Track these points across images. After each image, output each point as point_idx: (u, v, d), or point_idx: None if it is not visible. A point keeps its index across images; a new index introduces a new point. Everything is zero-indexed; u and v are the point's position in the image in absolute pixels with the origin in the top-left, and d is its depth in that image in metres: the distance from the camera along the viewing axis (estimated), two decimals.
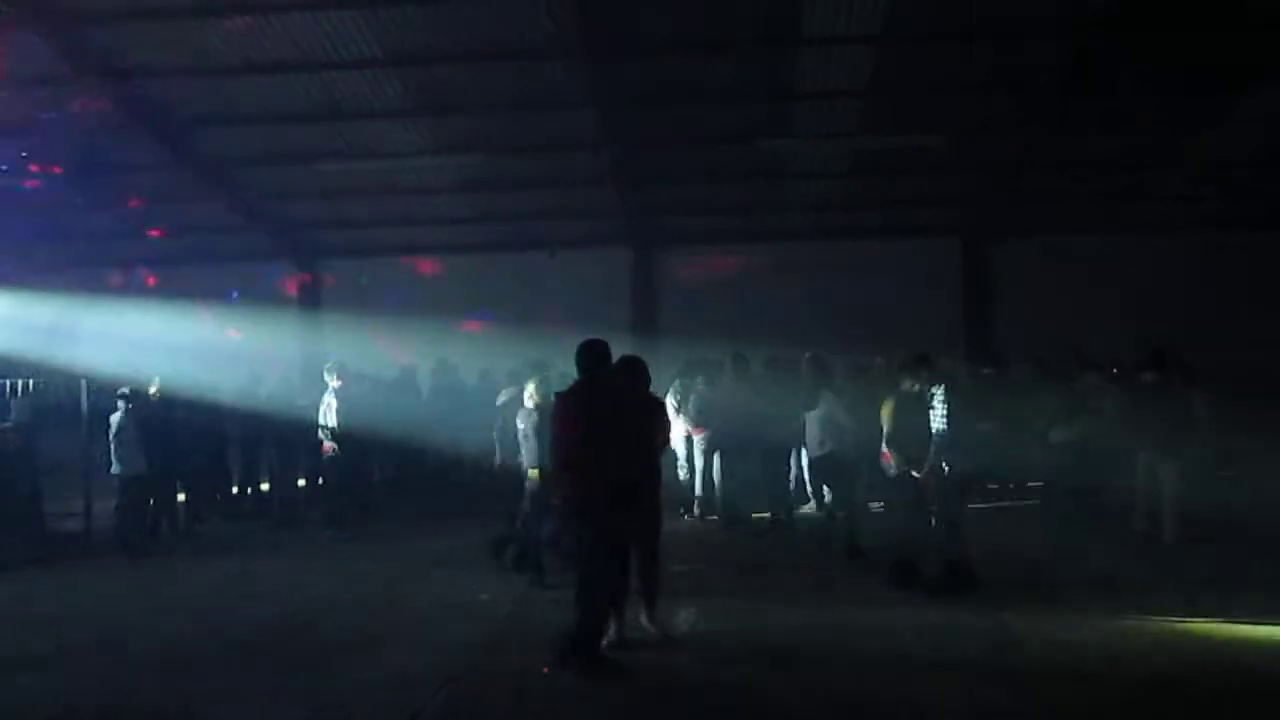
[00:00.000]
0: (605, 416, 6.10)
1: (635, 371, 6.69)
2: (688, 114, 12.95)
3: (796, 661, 6.24)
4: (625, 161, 13.80)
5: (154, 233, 15.74)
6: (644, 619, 6.70)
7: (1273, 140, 13.30)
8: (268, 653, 6.88)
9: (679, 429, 11.10)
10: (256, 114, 12.66)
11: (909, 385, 8.12)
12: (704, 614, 7.29)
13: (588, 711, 5.57)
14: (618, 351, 6.67)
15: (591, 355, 6.33)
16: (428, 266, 16.11)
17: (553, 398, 7.18)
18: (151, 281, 16.17)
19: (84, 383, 11.38)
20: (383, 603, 8.25)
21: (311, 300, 16.57)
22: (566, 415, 6.29)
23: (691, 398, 11.36)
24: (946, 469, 7.78)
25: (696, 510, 11.39)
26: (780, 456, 10.72)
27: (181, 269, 16.17)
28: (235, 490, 13.03)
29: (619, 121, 12.81)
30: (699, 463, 11.43)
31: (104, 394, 11.22)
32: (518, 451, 8.50)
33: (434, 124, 13.17)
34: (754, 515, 10.89)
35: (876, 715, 5.43)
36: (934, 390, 7.99)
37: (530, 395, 8.37)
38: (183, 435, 11.53)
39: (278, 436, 12.11)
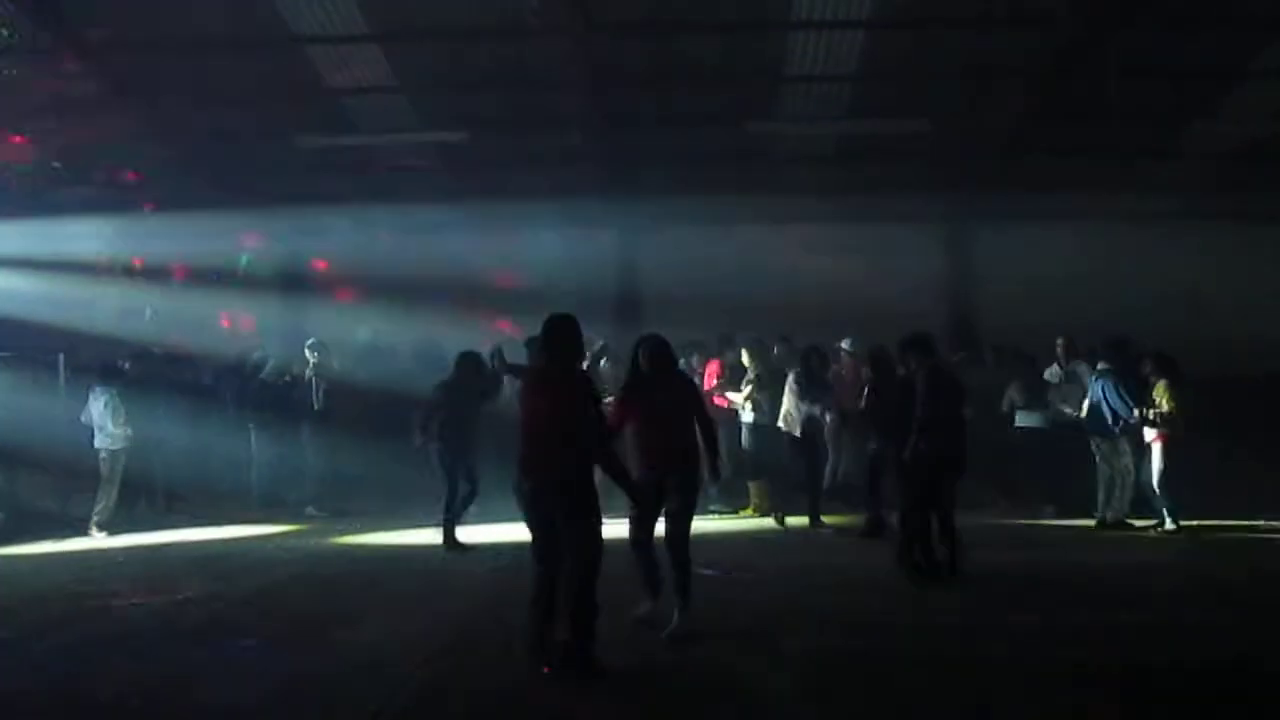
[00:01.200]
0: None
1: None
2: (675, 95, 12.92)
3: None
4: (611, 142, 13.76)
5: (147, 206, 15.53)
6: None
7: (1261, 132, 13.41)
8: (246, 629, 6.87)
9: None
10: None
11: (903, 368, 8.18)
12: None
13: (568, 690, 5.58)
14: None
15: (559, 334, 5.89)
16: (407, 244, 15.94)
17: None
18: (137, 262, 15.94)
19: (61, 356, 11.31)
20: (363, 581, 8.25)
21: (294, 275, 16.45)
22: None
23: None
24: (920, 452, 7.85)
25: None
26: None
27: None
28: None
29: (605, 101, 12.77)
30: None
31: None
32: None
33: (417, 101, 13.09)
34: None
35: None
36: (917, 373, 8.05)
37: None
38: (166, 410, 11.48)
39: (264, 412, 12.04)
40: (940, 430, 7.76)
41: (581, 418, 5.71)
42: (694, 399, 6.71)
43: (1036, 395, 10.85)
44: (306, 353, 11.54)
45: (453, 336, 12.86)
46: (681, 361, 11.35)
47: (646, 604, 6.50)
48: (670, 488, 6.38)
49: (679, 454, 6.43)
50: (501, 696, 5.50)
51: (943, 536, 7.82)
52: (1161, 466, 9.60)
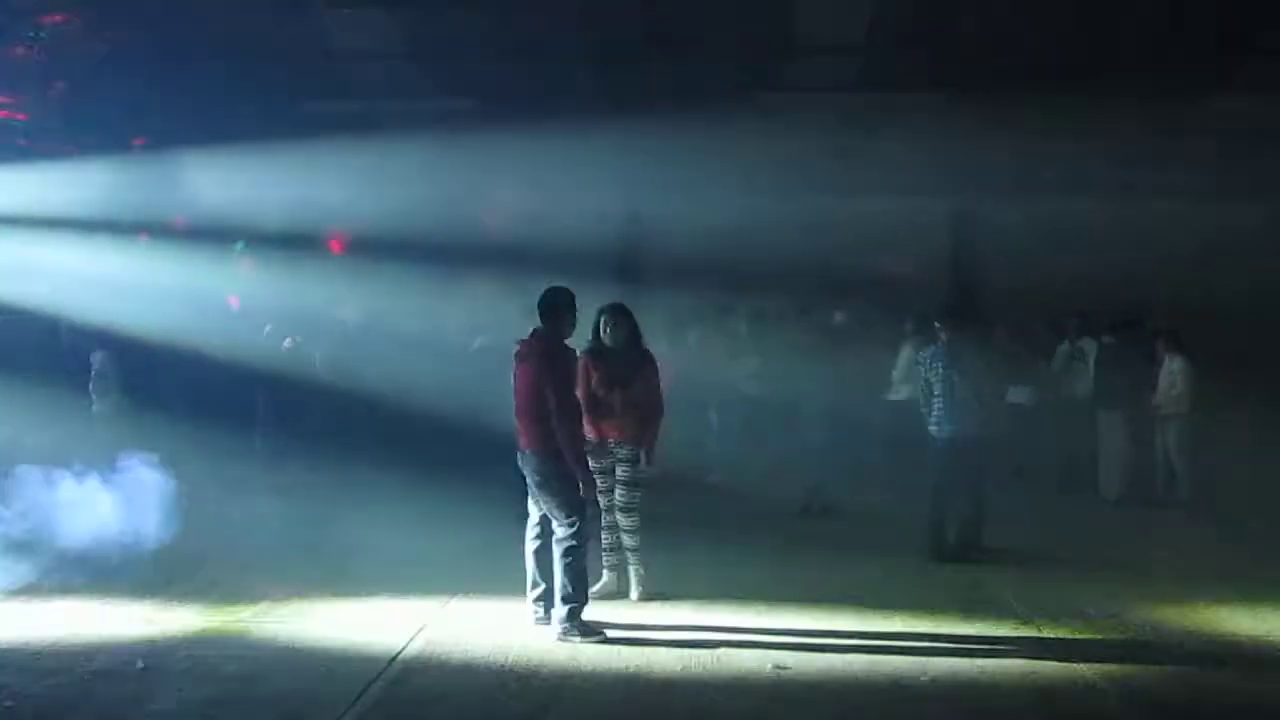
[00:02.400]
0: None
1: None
2: (683, 63, 12.81)
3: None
4: (617, 111, 13.65)
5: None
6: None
7: (1271, 109, 13.20)
8: (242, 597, 6.88)
9: None
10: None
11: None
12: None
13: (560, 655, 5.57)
14: (604, 298, 6.66)
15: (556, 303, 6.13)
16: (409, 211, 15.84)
17: None
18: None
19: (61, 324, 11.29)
20: (359, 548, 8.24)
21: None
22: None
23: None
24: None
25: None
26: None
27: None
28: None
29: (612, 71, 12.68)
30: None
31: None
32: None
33: (424, 69, 13.03)
34: None
35: None
36: (924, 351, 8.02)
37: None
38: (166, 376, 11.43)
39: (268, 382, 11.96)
40: (947, 409, 7.72)
41: (546, 390, 5.83)
42: (648, 380, 6.68)
43: (1016, 372, 10.92)
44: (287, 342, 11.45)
45: (454, 312, 12.88)
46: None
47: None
48: (621, 457, 6.63)
49: (624, 428, 6.60)
50: (489, 664, 5.51)
51: (965, 519, 7.75)
52: (1181, 443, 9.61)
